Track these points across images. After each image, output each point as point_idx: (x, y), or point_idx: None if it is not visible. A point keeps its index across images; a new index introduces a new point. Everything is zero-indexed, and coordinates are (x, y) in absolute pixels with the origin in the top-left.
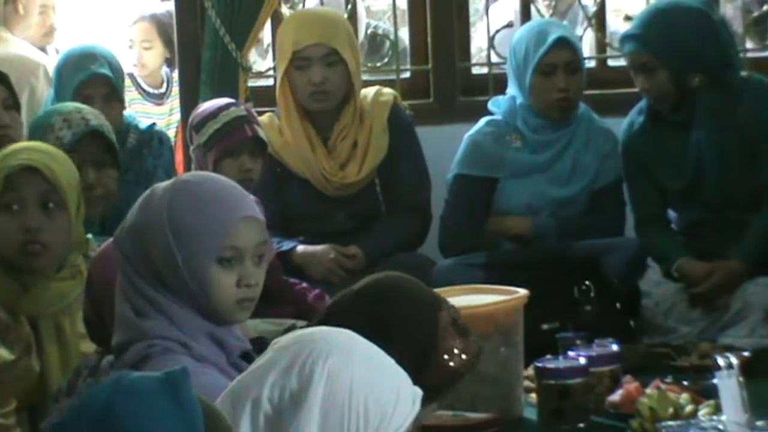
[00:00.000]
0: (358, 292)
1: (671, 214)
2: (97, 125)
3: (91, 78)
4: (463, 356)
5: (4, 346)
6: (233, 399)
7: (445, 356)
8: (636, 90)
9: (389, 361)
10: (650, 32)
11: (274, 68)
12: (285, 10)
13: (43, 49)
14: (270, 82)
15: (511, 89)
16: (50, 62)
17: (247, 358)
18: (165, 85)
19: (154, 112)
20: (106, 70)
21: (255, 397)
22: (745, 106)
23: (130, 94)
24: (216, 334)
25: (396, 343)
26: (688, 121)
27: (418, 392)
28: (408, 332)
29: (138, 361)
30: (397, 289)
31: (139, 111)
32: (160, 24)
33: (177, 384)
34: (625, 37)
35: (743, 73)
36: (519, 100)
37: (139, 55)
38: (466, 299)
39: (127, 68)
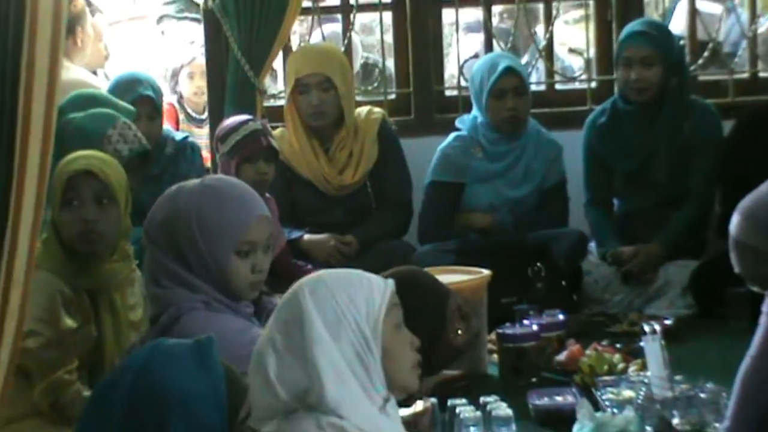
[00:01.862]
0: None
1: (617, 203)
2: (147, 145)
3: (138, 99)
4: (465, 335)
5: (68, 316)
6: (259, 355)
7: (451, 335)
8: (578, 108)
9: (351, 271)
10: (656, 33)
11: (284, 91)
12: (294, 44)
13: (94, 73)
14: (281, 102)
15: (474, 109)
16: (102, 85)
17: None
18: (206, 112)
19: (196, 133)
20: (149, 92)
21: (269, 342)
22: (690, 122)
23: (181, 116)
24: (235, 309)
25: (414, 324)
26: (652, 118)
27: (386, 280)
28: (424, 315)
29: (171, 323)
30: (416, 280)
31: (185, 130)
32: None
33: (204, 350)
34: (634, 34)
35: (692, 96)
36: (479, 119)
37: (196, 86)
38: (441, 278)
39: (186, 94)
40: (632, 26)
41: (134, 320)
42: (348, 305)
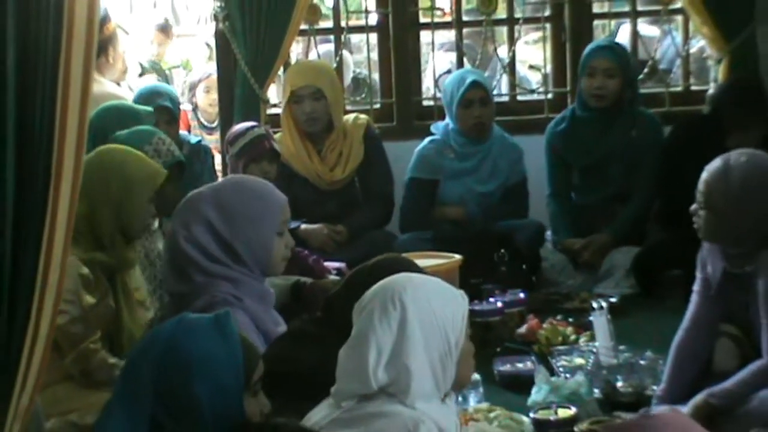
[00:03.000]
0: (372, 266)
1: (573, 197)
2: (180, 156)
3: (158, 108)
4: None
5: (88, 293)
6: (359, 342)
7: None
8: (536, 116)
9: (435, 278)
10: (618, 50)
11: (283, 102)
12: (294, 60)
13: (119, 85)
14: (280, 110)
15: (447, 117)
16: (127, 94)
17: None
18: (217, 121)
19: (208, 138)
20: (168, 103)
21: (373, 334)
22: (637, 129)
23: (193, 123)
24: (261, 293)
25: None
26: (606, 124)
27: (461, 291)
28: None
29: (206, 307)
30: (398, 265)
31: (197, 135)
32: None
33: (223, 322)
34: (600, 48)
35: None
36: (451, 125)
37: (211, 99)
38: (420, 262)
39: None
40: (598, 42)
41: (140, 299)
42: (442, 315)
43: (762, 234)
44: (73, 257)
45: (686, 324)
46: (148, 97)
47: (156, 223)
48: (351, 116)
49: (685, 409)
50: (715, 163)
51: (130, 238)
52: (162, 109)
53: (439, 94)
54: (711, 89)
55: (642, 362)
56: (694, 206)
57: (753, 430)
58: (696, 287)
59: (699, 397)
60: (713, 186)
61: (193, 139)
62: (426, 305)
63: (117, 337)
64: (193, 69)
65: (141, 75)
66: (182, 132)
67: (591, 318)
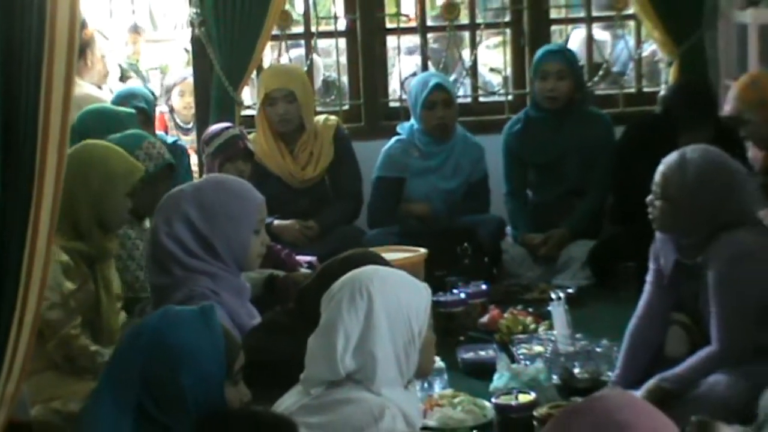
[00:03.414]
0: (342, 260)
1: (530, 194)
2: (169, 159)
3: (134, 110)
4: None
5: (68, 280)
6: (327, 330)
7: None
8: (497, 117)
9: (401, 271)
10: (568, 54)
11: (257, 104)
12: (266, 64)
13: (100, 88)
14: (254, 112)
15: (412, 118)
16: (106, 97)
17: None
18: (192, 122)
19: (184, 138)
20: (143, 104)
21: (341, 322)
22: (590, 128)
23: (170, 124)
24: (237, 287)
25: None
26: (559, 124)
27: (425, 284)
28: None
29: (185, 299)
30: (367, 259)
31: (174, 135)
32: None
33: (207, 314)
34: (551, 52)
35: (590, 107)
36: (416, 126)
37: (185, 102)
38: (387, 255)
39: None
40: (548, 47)
41: (117, 292)
42: (406, 306)
43: (713, 225)
44: (53, 245)
45: (639, 312)
46: (124, 98)
47: (147, 222)
48: (321, 117)
49: (638, 393)
50: (672, 157)
51: (107, 230)
52: (137, 110)
53: (404, 96)
54: (662, 91)
55: (598, 350)
56: (650, 197)
57: (694, 417)
58: (649, 278)
59: (651, 382)
60: (670, 177)
61: (170, 139)
62: (392, 296)
63: (97, 325)
64: (169, 72)
65: (122, 78)
66: (159, 132)
67: (549, 308)
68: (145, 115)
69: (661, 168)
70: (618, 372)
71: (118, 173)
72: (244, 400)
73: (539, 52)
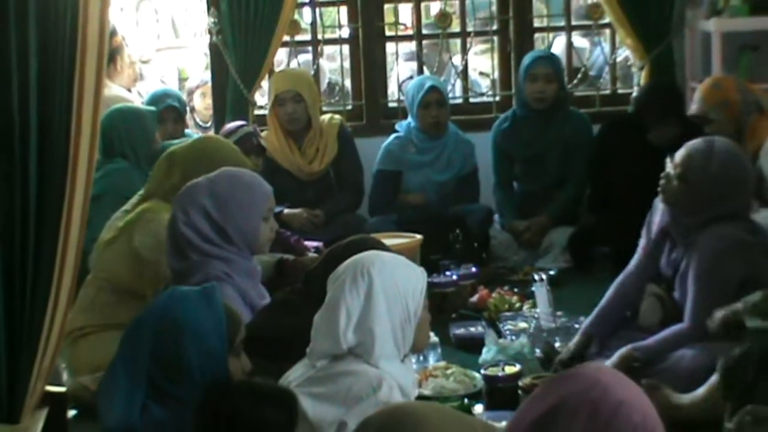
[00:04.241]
0: (346, 245)
1: (516, 186)
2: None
3: (167, 108)
4: None
5: None
6: (331, 308)
7: None
8: (486, 116)
9: (399, 255)
10: (554, 59)
11: (268, 104)
12: (277, 69)
13: (129, 91)
14: (266, 111)
15: (409, 117)
16: (136, 99)
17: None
18: (211, 121)
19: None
20: (175, 103)
21: (343, 301)
22: (570, 126)
23: (190, 122)
24: (249, 270)
25: None
26: (544, 123)
27: (421, 268)
28: None
29: (201, 282)
30: (367, 244)
31: (195, 133)
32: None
33: (209, 293)
34: (540, 57)
35: (571, 107)
36: (412, 124)
37: (206, 102)
38: (386, 241)
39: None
40: (537, 53)
41: None
42: (403, 287)
43: (715, 212)
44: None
45: (628, 269)
46: (159, 98)
47: None
48: (327, 116)
49: (611, 359)
50: (699, 142)
51: None
52: (171, 109)
53: (402, 97)
54: (634, 92)
55: (576, 326)
56: (667, 171)
57: (644, 381)
58: (642, 242)
59: (624, 349)
60: (694, 160)
61: (195, 136)
62: (390, 278)
63: None
64: (189, 77)
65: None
66: (187, 130)
67: (533, 288)
68: (177, 113)
69: (685, 150)
70: (591, 319)
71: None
72: (246, 371)
73: (529, 57)
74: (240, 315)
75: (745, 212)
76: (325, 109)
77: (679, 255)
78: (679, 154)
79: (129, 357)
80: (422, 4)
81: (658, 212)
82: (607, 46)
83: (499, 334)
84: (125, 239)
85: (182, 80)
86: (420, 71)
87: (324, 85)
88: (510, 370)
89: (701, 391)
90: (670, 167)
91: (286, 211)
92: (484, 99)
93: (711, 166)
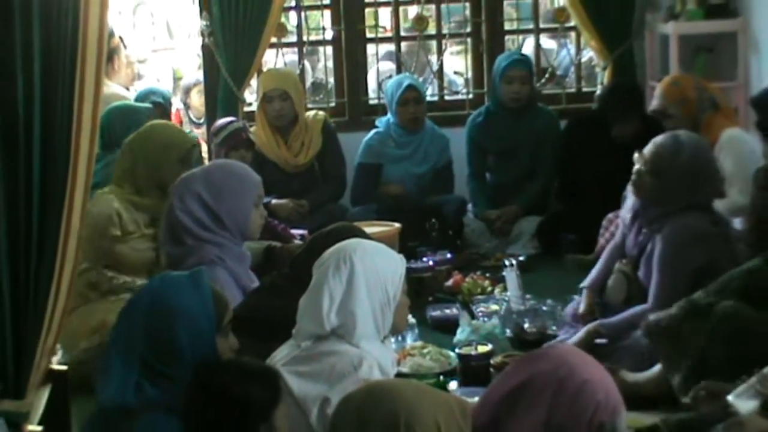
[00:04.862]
0: (329, 233)
1: (488, 177)
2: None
3: (152, 104)
4: None
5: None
6: (315, 292)
7: None
8: (460, 112)
9: (379, 243)
10: (527, 61)
11: (256, 101)
12: (265, 68)
13: (127, 89)
14: (255, 108)
15: (388, 113)
16: (133, 97)
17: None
18: (204, 117)
19: (196, 131)
20: (160, 100)
21: (326, 285)
22: (539, 123)
23: (185, 119)
24: (240, 255)
25: None
26: (515, 119)
27: (400, 255)
28: None
29: (195, 265)
30: (349, 232)
31: (188, 129)
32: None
33: (197, 277)
34: (516, 60)
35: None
36: (391, 120)
37: (202, 100)
38: (367, 229)
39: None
40: (512, 55)
41: None
42: (383, 273)
43: (682, 203)
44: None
45: (615, 240)
46: (145, 95)
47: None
48: (311, 113)
49: (579, 333)
50: (666, 138)
51: (163, 190)
52: (155, 105)
53: (382, 95)
54: (598, 90)
55: (544, 308)
56: (637, 167)
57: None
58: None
59: (591, 325)
60: (664, 154)
61: (186, 131)
62: (371, 264)
63: None
64: (183, 76)
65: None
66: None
67: (504, 273)
68: (162, 109)
69: (653, 146)
70: (592, 276)
71: (173, 143)
72: (233, 349)
73: (505, 60)
74: (227, 297)
75: (710, 203)
76: (309, 106)
77: (646, 238)
78: (648, 150)
79: (123, 339)
80: (401, 8)
81: (630, 197)
82: (572, 48)
83: (473, 315)
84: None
85: (177, 79)
86: (398, 71)
87: (309, 84)
88: (482, 349)
89: (656, 368)
90: (639, 163)
91: (274, 201)
92: (459, 97)
93: (680, 158)
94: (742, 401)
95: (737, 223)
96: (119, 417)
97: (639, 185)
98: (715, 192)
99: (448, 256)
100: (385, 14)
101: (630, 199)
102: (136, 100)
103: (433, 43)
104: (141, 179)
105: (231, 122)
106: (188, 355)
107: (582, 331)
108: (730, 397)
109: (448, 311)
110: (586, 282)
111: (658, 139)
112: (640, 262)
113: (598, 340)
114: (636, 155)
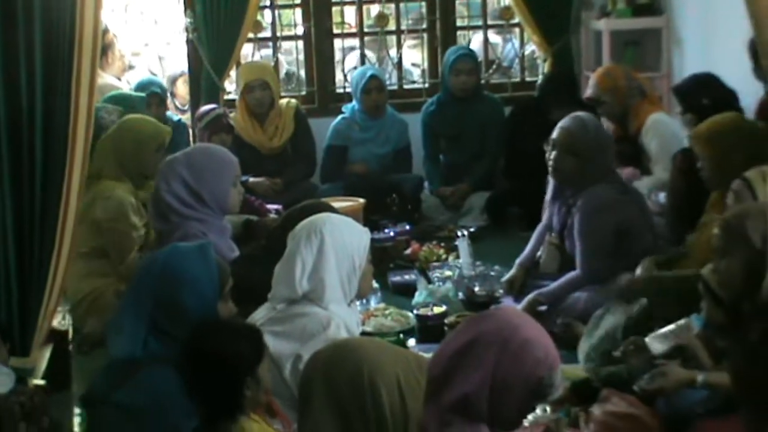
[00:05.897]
0: (301, 208)
1: (442, 158)
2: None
3: (151, 94)
4: None
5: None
6: (288, 260)
7: None
8: (417, 100)
9: (346, 217)
10: (474, 55)
11: (237, 90)
12: (243, 61)
13: (119, 80)
14: (234, 96)
15: (353, 101)
16: (125, 87)
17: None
18: (188, 105)
19: (182, 117)
20: (157, 89)
21: (299, 254)
22: (487, 109)
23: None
24: (221, 228)
25: None
26: (465, 106)
27: (366, 228)
28: None
29: (181, 239)
30: (319, 208)
31: (173, 113)
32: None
33: (204, 249)
34: (463, 54)
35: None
36: (356, 107)
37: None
38: (335, 204)
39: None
40: (459, 50)
41: None
42: (350, 244)
43: (591, 177)
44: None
45: (543, 222)
46: (144, 85)
47: None
48: (284, 101)
49: (521, 303)
50: (570, 120)
51: (148, 178)
52: (154, 95)
53: (347, 84)
54: (539, 80)
55: (492, 273)
56: (551, 154)
57: (559, 320)
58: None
59: (531, 295)
60: (576, 135)
61: (175, 118)
62: (339, 236)
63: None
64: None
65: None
66: (169, 112)
67: (456, 243)
68: (160, 98)
69: (562, 130)
70: (525, 254)
71: (148, 136)
72: (232, 313)
73: (454, 54)
74: (228, 267)
75: (612, 173)
76: (283, 94)
77: (565, 214)
78: (558, 134)
79: (135, 300)
80: (364, 7)
81: (551, 183)
82: (517, 42)
83: (429, 280)
84: (89, 218)
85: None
86: (362, 62)
87: (282, 75)
88: (438, 310)
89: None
90: (552, 150)
91: (251, 179)
92: (416, 86)
93: (588, 133)
94: (657, 342)
95: (662, 197)
96: (128, 367)
97: (557, 168)
98: (612, 162)
99: (407, 227)
100: (350, 12)
101: (551, 185)
102: (136, 89)
103: (393, 38)
104: (132, 173)
105: (213, 109)
106: (193, 317)
107: (524, 302)
108: (647, 339)
109: (407, 277)
110: (519, 258)
111: (564, 122)
112: (564, 235)
113: (540, 308)
114: (545, 145)
